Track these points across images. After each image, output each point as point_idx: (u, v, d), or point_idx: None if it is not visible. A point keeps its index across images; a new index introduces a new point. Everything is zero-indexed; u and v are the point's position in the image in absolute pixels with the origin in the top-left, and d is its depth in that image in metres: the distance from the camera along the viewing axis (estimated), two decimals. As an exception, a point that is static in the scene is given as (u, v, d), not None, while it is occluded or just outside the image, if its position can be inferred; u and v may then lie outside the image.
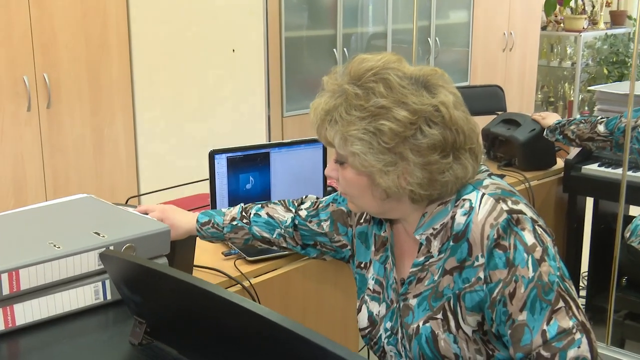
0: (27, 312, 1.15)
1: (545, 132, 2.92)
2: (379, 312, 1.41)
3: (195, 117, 3.64)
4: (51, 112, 3.26)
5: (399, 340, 1.36)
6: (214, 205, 2.18)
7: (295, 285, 2.09)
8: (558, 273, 1.21)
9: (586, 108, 6.81)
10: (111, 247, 1.22)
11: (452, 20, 5.79)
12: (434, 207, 1.29)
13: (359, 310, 1.45)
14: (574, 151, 3.07)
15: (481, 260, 1.23)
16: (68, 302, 1.19)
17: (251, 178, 2.25)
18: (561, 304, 1.19)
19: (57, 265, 1.16)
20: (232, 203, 2.17)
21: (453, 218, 1.26)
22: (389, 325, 1.39)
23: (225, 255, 2.05)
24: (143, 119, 3.58)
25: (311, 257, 1.66)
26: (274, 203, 1.65)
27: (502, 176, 2.95)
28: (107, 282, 1.22)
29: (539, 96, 7.13)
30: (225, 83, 3.36)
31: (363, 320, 1.43)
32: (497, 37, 6.09)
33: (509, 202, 1.25)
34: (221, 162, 2.18)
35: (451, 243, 1.26)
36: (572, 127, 2.79)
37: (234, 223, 1.64)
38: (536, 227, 1.24)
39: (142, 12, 3.49)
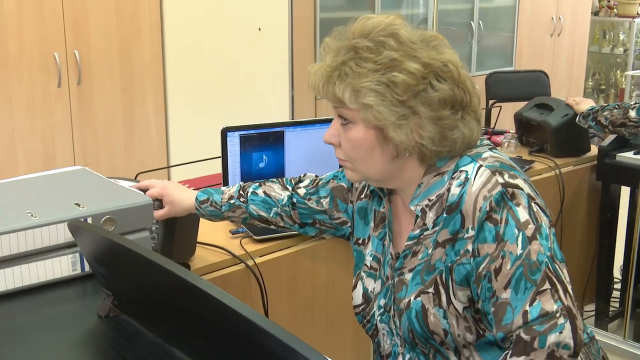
0: (0, 281, 1.15)
1: (577, 119, 2.81)
2: (373, 289, 1.38)
3: (223, 96, 3.63)
4: (81, 89, 3.30)
5: (392, 317, 1.33)
6: (225, 184, 2.16)
7: (303, 266, 2.06)
8: (548, 253, 1.16)
9: (638, 96, 6.56)
10: (89, 219, 1.21)
11: (497, 3, 5.64)
12: (430, 178, 1.26)
13: (355, 286, 1.42)
14: (608, 138, 2.94)
15: (471, 233, 1.19)
16: (43, 272, 1.19)
17: (265, 157, 2.22)
18: (547, 285, 1.14)
19: (32, 234, 1.16)
20: (244, 181, 2.14)
21: (449, 190, 1.22)
22: (382, 302, 1.35)
23: (232, 234, 2.03)
24: (174, 97, 3.60)
25: (310, 236, 1.63)
26: (272, 181, 1.62)
27: (531, 162, 2.85)
28: (85, 254, 1.21)
29: (590, 83, 6.92)
30: (251, 62, 3.34)
31: (358, 297, 1.40)
32: (545, 21, 5.91)
33: (506, 176, 1.20)
34: (234, 140, 2.16)
35: (445, 215, 1.22)
36: (606, 112, 2.68)
37: (232, 202, 1.62)
38: (532, 204, 1.19)
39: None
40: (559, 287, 1.15)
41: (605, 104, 2.75)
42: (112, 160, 3.45)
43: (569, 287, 1.17)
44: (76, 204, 1.24)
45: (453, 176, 1.23)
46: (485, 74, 4.74)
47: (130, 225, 1.27)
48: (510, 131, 3.21)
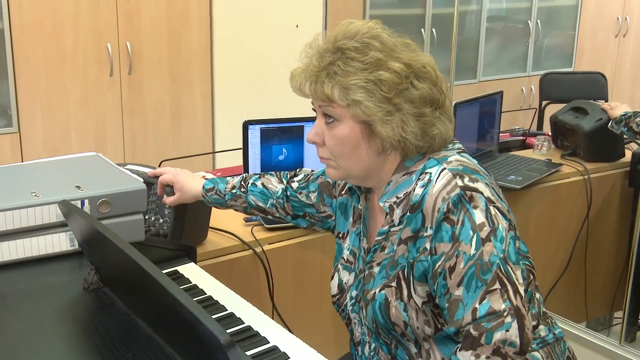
0: (4, 252, 1.30)
1: (610, 124, 2.79)
2: (347, 281, 1.46)
3: (265, 87, 3.75)
4: (132, 78, 3.49)
5: (361, 308, 1.41)
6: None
7: (312, 256, 2.15)
8: (501, 255, 1.21)
9: None
10: (86, 201, 1.34)
11: (557, 2, 5.54)
12: (399, 177, 1.34)
13: (332, 277, 1.51)
14: (644, 144, 2.91)
15: (429, 232, 1.25)
16: (44, 246, 1.33)
17: (284, 150, 2.33)
18: (497, 285, 1.19)
19: (33, 212, 1.30)
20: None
21: (415, 190, 1.30)
22: (354, 293, 1.44)
23: (246, 222, 2.15)
24: (220, 87, 3.75)
25: (302, 227, 1.73)
26: (270, 174, 1.73)
27: (559, 165, 2.85)
28: (82, 232, 1.35)
29: (659, 87, 6.69)
30: (289, 57, 3.44)
31: (334, 287, 1.49)
32: (610, 21, 5.76)
33: (466, 179, 1.26)
34: (254, 133, 2.28)
35: (408, 214, 1.29)
36: (638, 119, 2.66)
37: (234, 191, 1.73)
38: (490, 207, 1.24)
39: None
40: (509, 287, 1.20)
41: (639, 110, 2.73)
42: (160, 146, 3.63)
43: (521, 288, 1.22)
44: (77, 186, 1.38)
45: (420, 177, 1.30)
46: (541, 74, 4.68)
47: (124, 208, 1.40)
48: (549, 134, 3.22)
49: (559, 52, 5.60)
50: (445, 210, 1.23)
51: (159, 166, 2.17)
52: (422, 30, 4.63)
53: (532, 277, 1.40)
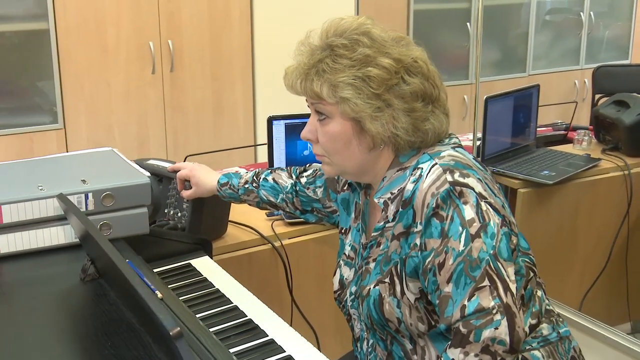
0: (10, 243, 1.35)
1: (652, 117, 2.70)
2: (348, 277, 1.46)
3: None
4: (174, 76, 3.56)
5: (359, 304, 1.41)
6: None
7: (331, 251, 2.15)
8: (491, 252, 1.19)
9: None
10: (90, 195, 1.39)
11: (613, -7, 5.36)
12: (393, 172, 1.33)
13: (334, 273, 1.51)
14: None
15: (419, 227, 1.24)
16: (49, 238, 1.38)
17: (309, 145, 2.33)
18: (486, 282, 1.17)
19: (37, 205, 1.35)
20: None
21: (407, 185, 1.29)
22: (353, 289, 1.44)
23: (268, 216, 2.17)
24: (262, 84, 3.79)
25: (311, 222, 1.74)
26: (281, 169, 1.74)
27: (597, 160, 2.77)
28: (86, 225, 1.39)
29: None
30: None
31: (335, 283, 1.50)
32: (671, 10, 5.54)
33: (456, 174, 1.24)
34: (279, 128, 2.29)
35: (400, 209, 1.29)
36: (681, 112, 2.56)
37: (246, 186, 1.75)
38: (482, 202, 1.22)
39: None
40: (499, 284, 1.18)
41: (683, 103, 2.62)
42: (201, 142, 3.70)
43: (512, 286, 1.19)
44: (82, 180, 1.42)
45: (412, 172, 1.29)
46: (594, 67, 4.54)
47: (128, 201, 1.43)
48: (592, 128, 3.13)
49: (615, 44, 5.42)
50: (434, 205, 1.22)
51: (184, 161, 2.22)
52: (468, 24, 4.56)
53: (532, 274, 1.37)
